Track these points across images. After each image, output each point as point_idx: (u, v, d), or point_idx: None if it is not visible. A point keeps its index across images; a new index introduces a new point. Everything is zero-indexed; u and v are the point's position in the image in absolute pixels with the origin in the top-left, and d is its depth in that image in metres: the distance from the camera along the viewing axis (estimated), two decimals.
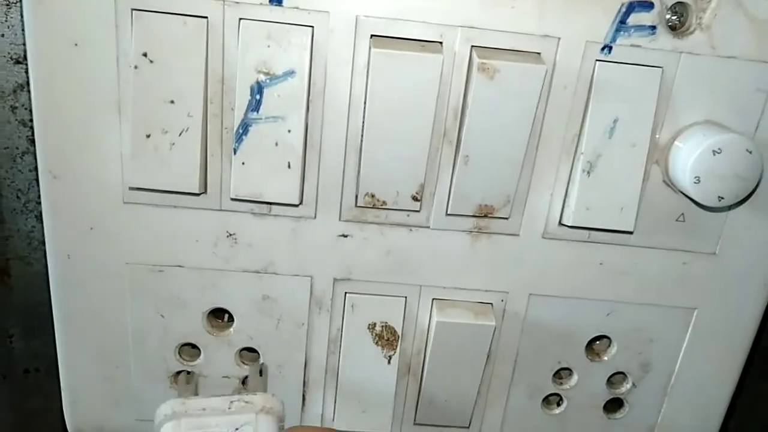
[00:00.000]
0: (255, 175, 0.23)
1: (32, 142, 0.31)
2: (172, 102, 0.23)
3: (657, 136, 0.25)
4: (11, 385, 0.36)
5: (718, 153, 0.23)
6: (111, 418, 0.28)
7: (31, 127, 0.31)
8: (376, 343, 0.27)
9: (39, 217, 0.33)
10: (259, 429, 0.22)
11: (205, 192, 0.24)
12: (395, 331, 0.27)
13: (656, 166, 0.25)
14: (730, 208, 0.26)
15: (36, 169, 0.32)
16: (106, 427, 0.28)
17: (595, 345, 0.29)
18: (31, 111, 0.31)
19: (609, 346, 0.29)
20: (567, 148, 0.25)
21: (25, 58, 0.30)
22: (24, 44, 0.30)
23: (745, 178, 0.23)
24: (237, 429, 0.22)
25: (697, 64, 0.24)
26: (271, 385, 0.28)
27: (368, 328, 0.27)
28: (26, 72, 0.30)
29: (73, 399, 0.28)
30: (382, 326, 0.27)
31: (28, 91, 0.30)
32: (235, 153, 0.23)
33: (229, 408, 0.23)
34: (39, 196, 0.32)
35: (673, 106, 0.24)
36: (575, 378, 0.29)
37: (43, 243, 0.33)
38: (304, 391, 0.28)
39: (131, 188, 0.24)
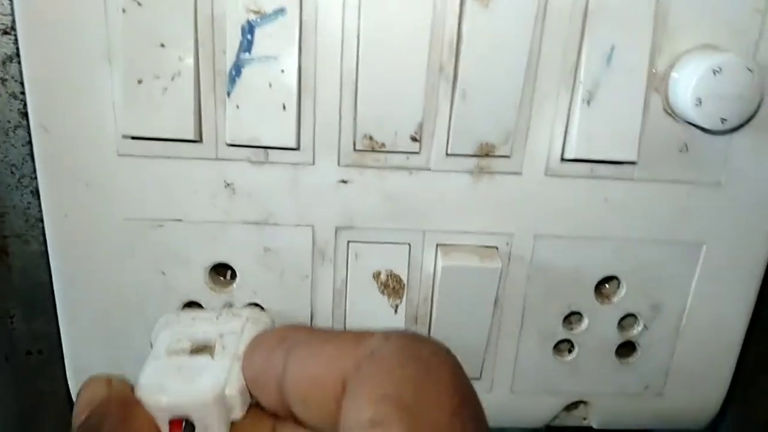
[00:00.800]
0: (250, 118, 0.23)
1: (24, 115, 0.31)
2: (163, 45, 0.22)
3: (655, 62, 0.24)
4: (14, 367, 0.35)
5: (719, 73, 0.23)
6: None
7: (23, 100, 0.30)
8: (382, 292, 0.27)
9: (35, 193, 0.32)
10: (243, 337, 0.23)
11: (201, 140, 0.24)
12: (401, 279, 0.26)
13: (656, 95, 0.25)
14: (732, 131, 0.25)
15: (30, 142, 0.31)
16: None
17: (604, 289, 0.29)
18: (21, 83, 0.30)
19: (618, 287, 0.28)
20: (565, 79, 0.24)
21: (13, 28, 0.30)
22: (11, 14, 0.29)
23: (746, 98, 0.23)
24: (222, 336, 0.23)
25: None
26: None
27: (373, 277, 0.26)
28: (15, 42, 0.30)
29: (76, 367, 0.28)
30: (387, 274, 0.26)
31: (18, 63, 0.30)
32: (228, 96, 0.23)
33: (217, 319, 0.24)
34: (34, 171, 0.32)
35: (670, 32, 0.24)
36: (585, 322, 0.28)
37: (41, 219, 0.33)
38: None
39: (125, 136, 0.23)
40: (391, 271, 0.26)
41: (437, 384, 0.14)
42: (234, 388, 0.21)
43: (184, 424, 0.20)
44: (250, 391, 0.20)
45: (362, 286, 0.26)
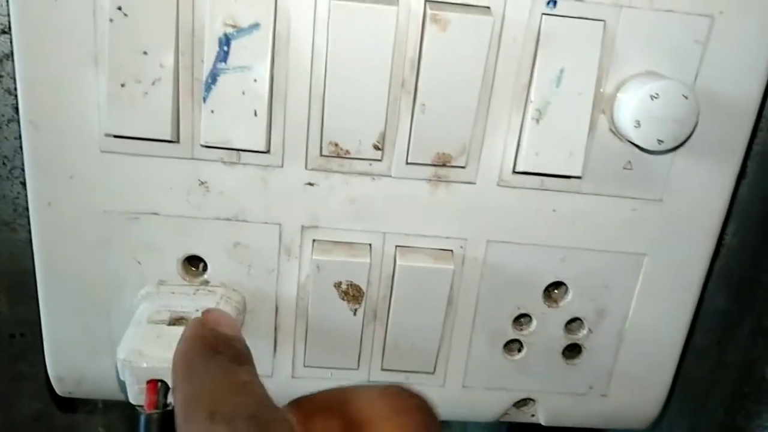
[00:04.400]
0: (223, 122, 0.25)
1: (18, 110, 0.32)
2: (145, 53, 0.24)
3: (602, 86, 0.26)
4: None
5: (656, 98, 0.25)
6: (91, 366, 0.30)
7: (17, 96, 0.32)
8: (342, 299, 0.28)
9: (24, 184, 0.34)
10: None
11: (178, 141, 0.26)
12: (360, 288, 0.28)
13: (603, 116, 0.27)
14: (671, 151, 0.27)
15: (22, 136, 0.33)
16: (87, 375, 0.30)
17: (552, 293, 0.31)
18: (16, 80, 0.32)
19: (566, 292, 0.30)
20: (518, 97, 0.26)
21: (12, 28, 0.31)
22: (9, 15, 0.31)
23: (682, 122, 0.25)
24: (197, 310, 0.26)
25: (637, 17, 0.25)
26: (243, 330, 0.29)
27: (334, 286, 0.28)
28: (12, 42, 0.32)
29: (54, 347, 0.29)
30: (348, 284, 0.28)
31: (14, 61, 0.32)
32: (204, 101, 0.25)
33: (194, 294, 0.27)
34: (24, 163, 0.34)
35: (616, 58, 0.26)
36: (534, 324, 0.30)
37: (29, 209, 0.35)
38: (275, 336, 0.30)
39: (107, 135, 0.25)
40: (352, 281, 0.28)
41: None
42: None
43: (159, 384, 0.23)
44: None
45: (324, 294, 0.28)
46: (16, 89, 0.32)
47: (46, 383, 0.34)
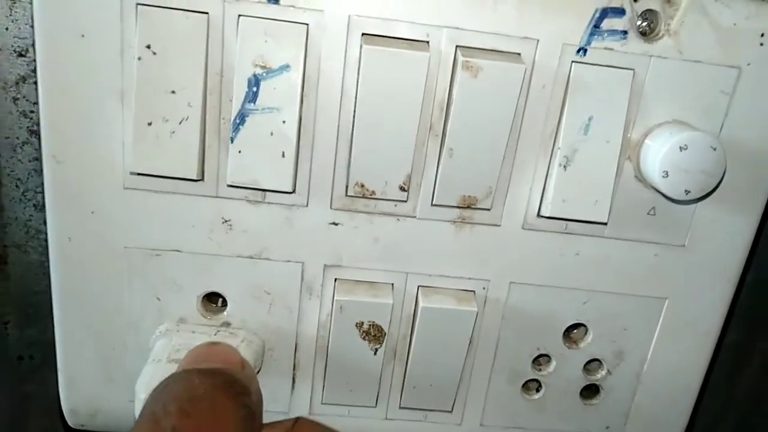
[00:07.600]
0: (250, 162, 0.25)
1: (32, 132, 0.32)
2: (173, 92, 0.24)
3: (629, 133, 0.26)
4: (5, 371, 0.37)
5: (685, 149, 0.25)
6: (106, 400, 0.29)
7: (32, 118, 0.32)
8: (363, 338, 0.28)
9: (37, 206, 0.34)
10: None
11: (203, 179, 0.26)
12: (382, 328, 0.28)
13: (629, 162, 0.27)
14: (697, 201, 0.27)
15: (36, 159, 0.33)
16: (101, 408, 0.29)
17: (572, 333, 0.30)
18: (32, 102, 0.32)
19: (585, 334, 0.30)
20: (545, 143, 0.26)
21: (28, 51, 0.31)
22: (27, 38, 0.31)
23: (709, 173, 0.25)
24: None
25: (666, 67, 0.25)
26: (262, 367, 0.29)
27: (356, 326, 0.28)
28: (28, 64, 0.31)
29: (69, 380, 0.29)
30: (370, 324, 0.28)
31: (30, 83, 0.32)
32: (232, 141, 0.25)
33: (215, 335, 0.27)
34: (38, 186, 0.34)
35: (644, 106, 0.26)
36: (553, 365, 0.30)
37: (41, 232, 0.34)
38: (294, 374, 0.29)
39: (132, 173, 0.25)
40: (374, 322, 0.28)
41: None
42: None
43: None
44: None
45: (345, 333, 0.28)
46: (32, 112, 0.32)
47: (55, 405, 0.34)
